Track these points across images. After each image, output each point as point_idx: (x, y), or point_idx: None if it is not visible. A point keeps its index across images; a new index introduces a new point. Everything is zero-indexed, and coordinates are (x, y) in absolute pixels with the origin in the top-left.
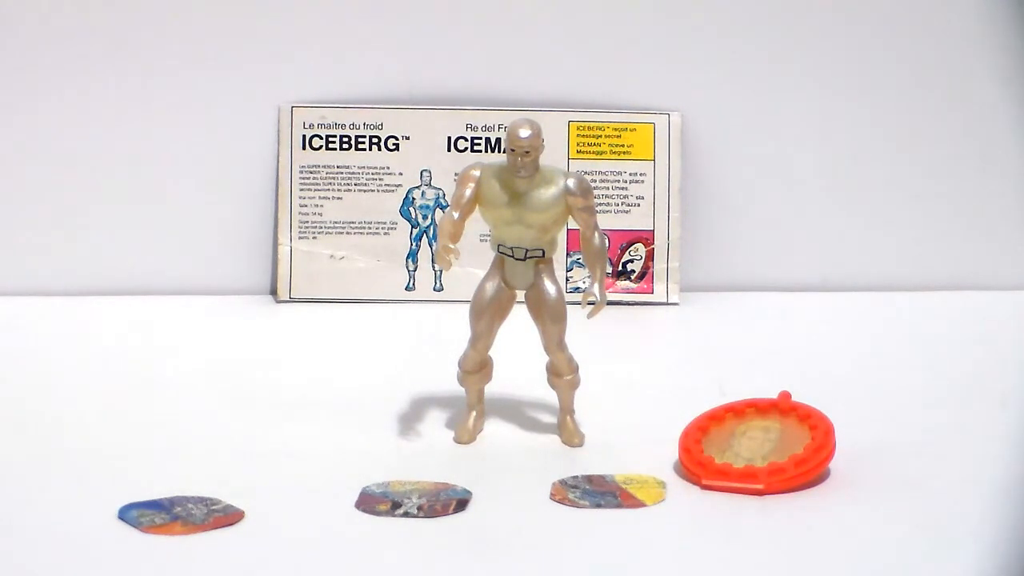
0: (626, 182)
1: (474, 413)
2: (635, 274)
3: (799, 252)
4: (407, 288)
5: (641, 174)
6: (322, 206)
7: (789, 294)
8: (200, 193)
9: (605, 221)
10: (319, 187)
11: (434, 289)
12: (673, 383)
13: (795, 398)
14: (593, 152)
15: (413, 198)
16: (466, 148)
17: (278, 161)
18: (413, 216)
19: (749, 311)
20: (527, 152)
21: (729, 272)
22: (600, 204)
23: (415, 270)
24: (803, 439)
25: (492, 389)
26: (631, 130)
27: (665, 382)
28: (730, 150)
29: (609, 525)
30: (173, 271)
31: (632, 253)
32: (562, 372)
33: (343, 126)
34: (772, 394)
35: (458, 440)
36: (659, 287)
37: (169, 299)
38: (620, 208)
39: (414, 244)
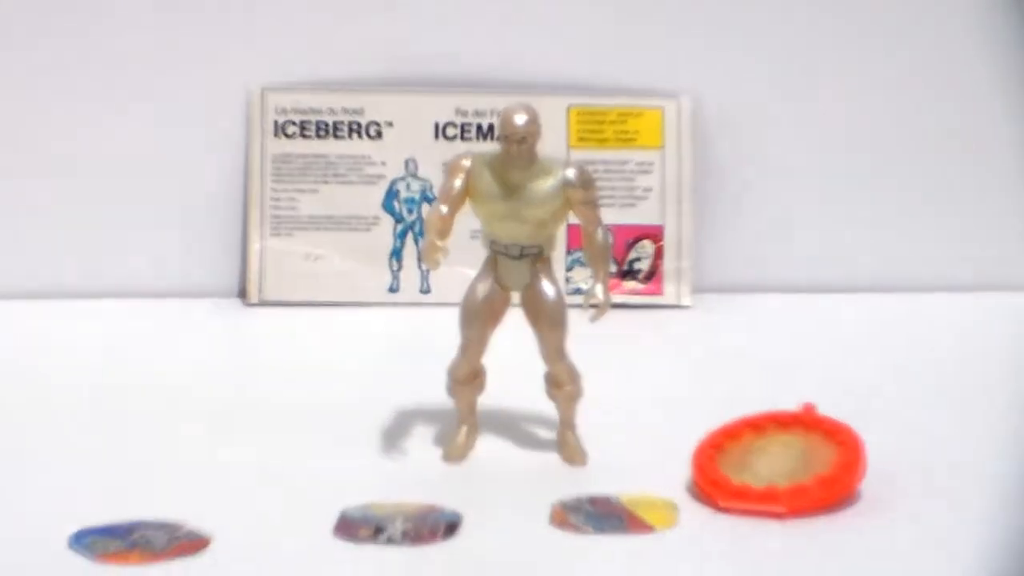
0: (632, 172)
1: (465, 428)
2: (642, 274)
3: (822, 250)
4: (391, 290)
5: (649, 164)
6: (296, 200)
7: (812, 296)
8: (161, 187)
9: (609, 215)
10: (293, 179)
11: (420, 291)
12: (685, 394)
13: (820, 410)
14: (595, 140)
15: (397, 190)
16: (456, 135)
17: (247, 150)
18: (397, 210)
19: (768, 314)
20: (523, 140)
21: (746, 272)
22: (604, 197)
23: (399, 270)
24: (829, 457)
25: (485, 401)
26: (637, 115)
27: (676, 393)
28: (747, 137)
29: (615, 552)
30: (132, 272)
31: (639, 251)
32: (562, 383)
33: (319, 111)
34: (794, 406)
35: (447, 458)
36: (669, 288)
37: (128, 302)
38: (625, 201)
39: (398, 241)
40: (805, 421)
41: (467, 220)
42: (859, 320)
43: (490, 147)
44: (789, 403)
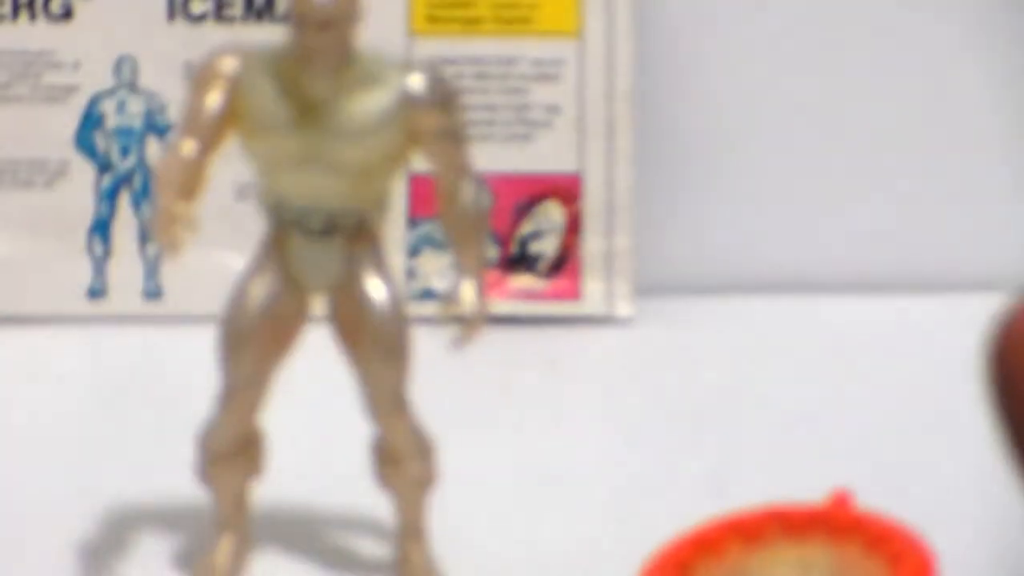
0: (527, 80)
1: (229, 538)
2: (545, 261)
3: (838, 223)
4: (92, 293)
5: (557, 64)
6: None
7: (824, 297)
8: None
9: (486, 157)
10: None
11: (145, 294)
12: (621, 473)
13: (859, 501)
14: (460, 22)
15: (103, 115)
16: (206, 14)
17: None
18: (102, 150)
19: (761, 329)
20: (328, 24)
21: (726, 259)
22: (476, 125)
23: (107, 257)
24: None
25: (265, 492)
26: None
27: (606, 471)
28: (725, 23)
29: None
30: None
31: (540, 220)
32: (402, 457)
33: None
34: (815, 495)
35: None
36: (593, 287)
37: None
38: (515, 132)
39: (105, 206)
40: (834, 522)
41: (231, 167)
42: (900, 333)
43: (272, 37)
44: (806, 488)
